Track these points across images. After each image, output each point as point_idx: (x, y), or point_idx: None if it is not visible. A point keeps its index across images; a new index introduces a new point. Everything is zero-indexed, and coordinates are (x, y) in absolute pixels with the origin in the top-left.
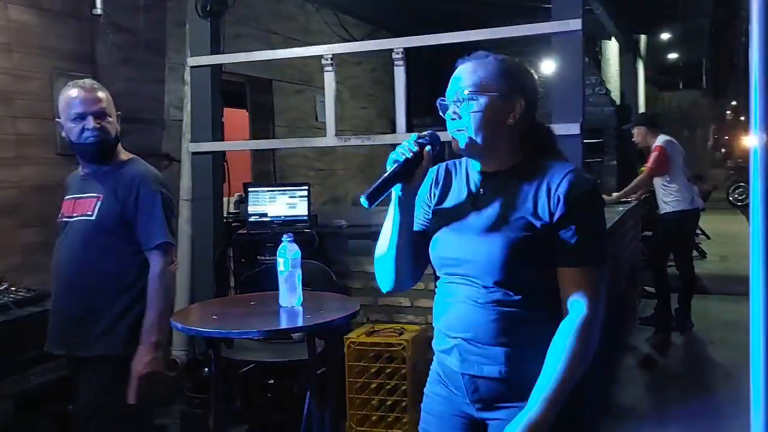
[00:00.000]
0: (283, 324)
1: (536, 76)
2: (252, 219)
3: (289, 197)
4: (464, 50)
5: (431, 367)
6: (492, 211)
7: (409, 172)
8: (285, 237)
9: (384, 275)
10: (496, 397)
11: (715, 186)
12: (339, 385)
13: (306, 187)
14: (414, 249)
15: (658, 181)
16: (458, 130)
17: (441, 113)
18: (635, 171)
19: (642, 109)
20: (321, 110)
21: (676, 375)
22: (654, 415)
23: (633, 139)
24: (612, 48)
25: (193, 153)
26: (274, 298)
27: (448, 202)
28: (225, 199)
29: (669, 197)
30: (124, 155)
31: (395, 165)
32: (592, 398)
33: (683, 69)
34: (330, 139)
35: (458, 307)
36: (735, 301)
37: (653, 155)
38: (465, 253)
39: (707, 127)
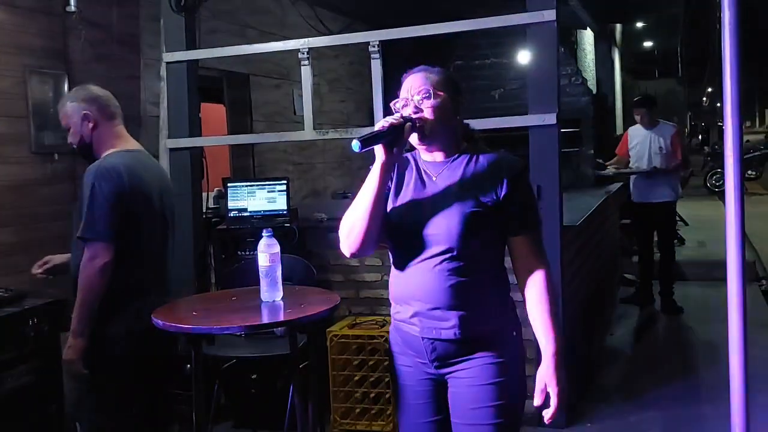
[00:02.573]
0: (265, 319)
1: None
2: (231, 214)
3: (268, 192)
4: (440, 42)
5: (390, 338)
6: (447, 192)
7: (395, 137)
8: (264, 232)
9: (353, 239)
10: (451, 355)
11: (692, 172)
12: (322, 378)
13: (285, 182)
14: (381, 217)
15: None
16: (419, 120)
17: (395, 111)
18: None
19: (619, 98)
20: (299, 104)
21: (656, 359)
22: (633, 399)
23: (637, 117)
24: (587, 37)
25: (171, 149)
26: (255, 293)
27: (405, 188)
28: (204, 194)
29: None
30: (111, 150)
31: (383, 127)
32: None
33: (659, 57)
34: (308, 133)
35: (417, 278)
36: (713, 286)
37: (678, 139)
38: (426, 229)
39: (684, 114)
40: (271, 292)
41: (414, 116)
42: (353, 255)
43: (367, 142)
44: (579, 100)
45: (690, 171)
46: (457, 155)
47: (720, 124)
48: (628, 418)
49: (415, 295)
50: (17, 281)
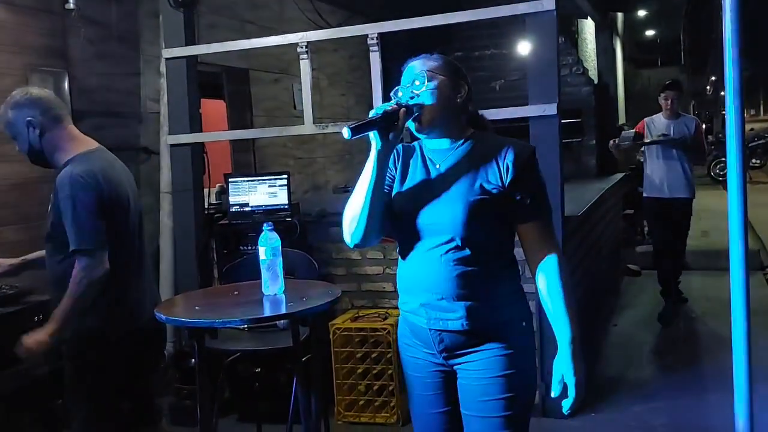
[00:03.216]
0: (267, 312)
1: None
2: (233, 209)
3: (269, 186)
4: (439, 33)
5: (399, 329)
6: (451, 180)
7: (389, 124)
8: (265, 226)
9: (355, 229)
10: (459, 346)
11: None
12: (326, 371)
13: (285, 176)
14: (383, 206)
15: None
16: (418, 107)
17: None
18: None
19: (620, 87)
20: (299, 98)
21: (659, 350)
22: (637, 389)
23: (666, 102)
24: (589, 27)
25: (172, 145)
26: (257, 287)
27: (410, 177)
28: (205, 190)
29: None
30: (71, 153)
31: (377, 114)
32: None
33: (661, 46)
34: (308, 127)
35: (423, 268)
36: (717, 275)
37: (701, 130)
38: (430, 218)
39: (687, 103)
40: (273, 286)
41: (411, 102)
42: (357, 246)
43: (358, 129)
44: (580, 90)
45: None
46: (462, 141)
47: (724, 112)
48: (632, 408)
49: (421, 285)
50: (21, 278)
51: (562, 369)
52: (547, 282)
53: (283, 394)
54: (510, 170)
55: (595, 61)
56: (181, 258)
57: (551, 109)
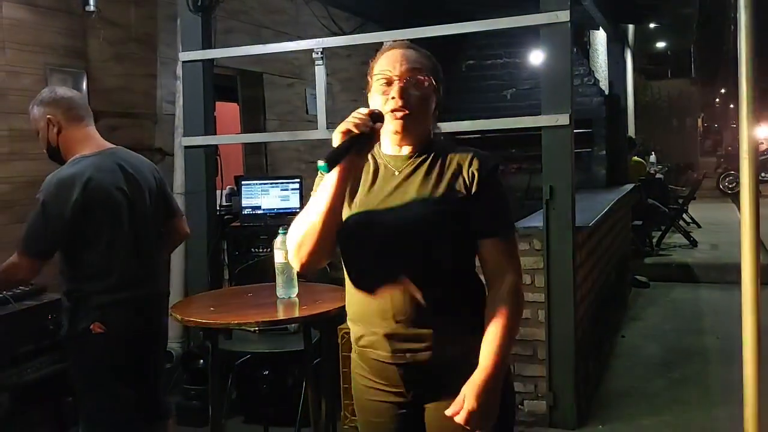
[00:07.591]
0: (281, 315)
1: None
2: (245, 212)
3: (282, 190)
4: (451, 42)
5: (353, 369)
6: (412, 189)
7: (363, 144)
8: (281, 229)
9: (303, 250)
10: (430, 380)
11: (705, 174)
12: (334, 375)
13: (298, 180)
14: (337, 222)
15: None
16: (399, 108)
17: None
18: (625, 161)
19: (630, 98)
20: (311, 103)
21: (668, 363)
22: (645, 402)
23: None
24: (600, 38)
25: (186, 147)
26: (270, 290)
27: (363, 185)
28: (217, 192)
29: None
30: (77, 154)
31: (351, 136)
32: (584, 386)
33: (671, 58)
34: (321, 132)
35: (382, 293)
36: (726, 289)
37: None
38: (390, 233)
39: (696, 115)
40: (287, 289)
41: (395, 108)
42: (304, 268)
43: (335, 161)
44: (591, 100)
45: (703, 173)
46: (424, 147)
47: (734, 125)
48: (640, 421)
49: (381, 313)
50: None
51: (465, 391)
52: (493, 305)
53: (291, 397)
54: (475, 181)
55: (606, 72)
56: (193, 259)
57: (564, 119)
